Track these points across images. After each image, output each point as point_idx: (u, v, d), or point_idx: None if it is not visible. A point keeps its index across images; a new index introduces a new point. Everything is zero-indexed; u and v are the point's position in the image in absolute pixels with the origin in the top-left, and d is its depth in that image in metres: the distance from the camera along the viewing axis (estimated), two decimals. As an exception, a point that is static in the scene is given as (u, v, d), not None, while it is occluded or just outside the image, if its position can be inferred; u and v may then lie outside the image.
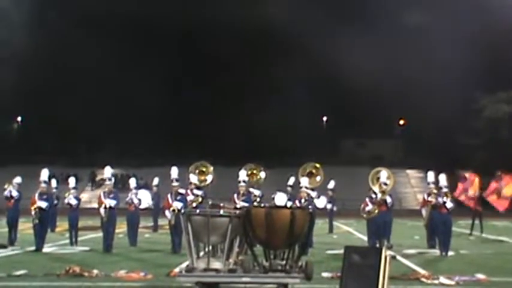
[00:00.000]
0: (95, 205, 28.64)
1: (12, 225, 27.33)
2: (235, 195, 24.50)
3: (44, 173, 27.26)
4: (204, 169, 24.94)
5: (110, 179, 27.61)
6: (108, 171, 27.85)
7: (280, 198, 20.91)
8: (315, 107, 77.05)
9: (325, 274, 17.18)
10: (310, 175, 25.75)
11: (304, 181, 25.22)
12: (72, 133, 72.52)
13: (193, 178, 24.63)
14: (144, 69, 71.66)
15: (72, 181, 30.26)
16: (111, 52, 67.50)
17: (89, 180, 69.28)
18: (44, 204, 26.43)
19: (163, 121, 73.10)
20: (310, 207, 24.41)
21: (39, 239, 25.95)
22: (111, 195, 26.29)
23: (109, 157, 61.21)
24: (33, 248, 25.42)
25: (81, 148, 75.16)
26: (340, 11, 71.49)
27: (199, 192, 24.62)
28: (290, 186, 26.20)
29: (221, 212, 14.65)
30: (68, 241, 28.53)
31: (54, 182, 34.56)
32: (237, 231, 14.11)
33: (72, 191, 29.64)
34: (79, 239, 28.93)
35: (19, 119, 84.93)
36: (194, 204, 23.58)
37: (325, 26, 68.44)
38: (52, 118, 70.66)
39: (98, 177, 67.33)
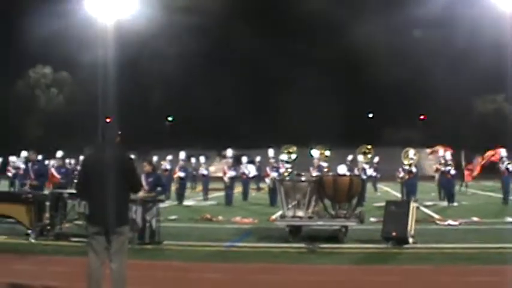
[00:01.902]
0: (220, 174, 29.09)
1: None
2: (311, 168, 24.60)
3: (182, 154, 27.82)
4: (291, 150, 24.99)
5: (230, 157, 28.08)
6: (229, 152, 28.38)
7: (342, 169, 20.96)
8: (362, 104, 76.40)
9: (372, 219, 17.18)
10: (364, 153, 25.70)
11: (360, 157, 25.28)
12: (206, 129, 71.76)
13: (284, 156, 24.73)
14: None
15: (202, 159, 30.74)
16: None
17: (214, 158, 69.19)
18: (182, 174, 26.91)
19: (262, 115, 72.13)
20: (364, 175, 24.62)
21: (180, 196, 26.44)
22: (232, 168, 26.79)
23: (229, 142, 61.38)
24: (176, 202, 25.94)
25: (210, 138, 74.44)
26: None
27: (288, 166, 24.69)
28: (349, 161, 26.14)
29: (303, 178, 14.86)
30: (201, 198, 28.98)
31: (193, 160, 34.99)
32: (313, 191, 14.24)
33: (204, 165, 30.13)
34: (209, 196, 29.32)
35: (170, 118, 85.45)
36: (286, 174, 23.67)
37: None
38: (194, 118, 70.34)
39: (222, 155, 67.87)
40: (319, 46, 68.56)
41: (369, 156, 25.63)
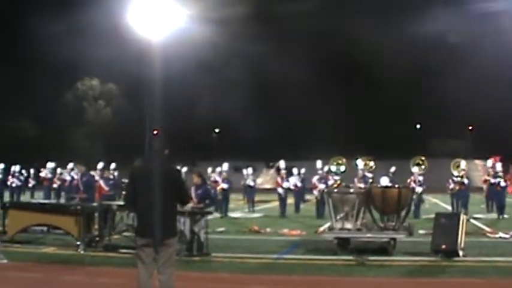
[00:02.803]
0: (267, 186, 29.17)
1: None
2: (355, 179, 24.52)
3: (225, 166, 27.91)
4: (339, 161, 24.94)
5: (284, 169, 28.11)
6: (282, 163, 28.44)
7: (384, 180, 20.88)
8: (410, 114, 75.69)
9: (421, 231, 17.00)
10: (418, 164, 25.48)
11: (415, 169, 25.14)
12: (253, 141, 71.69)
13: (333, 168, 24.70)
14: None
15: (249, 170, 30.72)
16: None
17: (261, 169, 69.20)
18: (225, 186, 26.94)
19: (311, 128, 71.94)
20: (419, 186, 24.32)
21: (225, 208, 26.44)
22: (285, 180, 26.89)
23: (275, 153, 61.49)
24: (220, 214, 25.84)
25: (257, 150, 73.99)
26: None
27: (337, 177, 24.66)
28: (391, 172, 25.96)
29: (351, 190, 14.79)
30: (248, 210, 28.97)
31: (245, 171, 34.95)
32: (362, 203, 14.16)
33: (251, 176, 30.13)
34: (255, 208, 29.31)
35: (216, 130, 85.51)
36: (335, 185, 23.65)
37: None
38: (241, 129, 70.48)
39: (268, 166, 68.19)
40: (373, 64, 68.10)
41: (423, 167, 25.42)
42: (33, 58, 59.51)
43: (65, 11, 54.57)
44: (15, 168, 34.03)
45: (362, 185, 21.78)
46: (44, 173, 33.18)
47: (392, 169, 26.14)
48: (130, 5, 32.35)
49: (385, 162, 32.56)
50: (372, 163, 27.33)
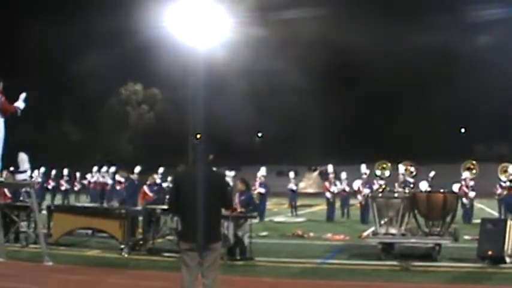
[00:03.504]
0: (310, 190, 29.08)
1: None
2: (396, 184, 24.36)
3: (262, 170, 27.80)
4: (384, 165, 24.74)
5: (331, 173, 28.04)
6: (330, 168, 28.35)
7: (423, 185, 20.79)
8: (455, 119, 74.89)
9: (467, 237, 16.82)
10: (469, 169, 25.21)
11: (466, 174, 24.91)
12: (296, 145, 71.77)
13: (378, 172, 24.54)
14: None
15: (291, 174, 30.65)
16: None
17: (303, 173, 68.98)
18: (262, 190, 26.86)
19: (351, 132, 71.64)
20: (471, 191, 24.10)
21: (261, 213, 26.37)
22: (333, 184, 26.95)
23: (318, 158, 61.42)
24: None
25: (300, 154, 73.84)
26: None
27: (381, 182, 24.51)
28: (430, 177, 25.68)
29: (396, 195, 14.72)
30: (290, 214, 28.93)
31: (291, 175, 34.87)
32: (406, 208, 14.07)
33: (293, 180, 30.06)
34: (298, 212, 29.27)
35: (260, 134, 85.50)
36: (380, 190, 23.49)
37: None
38: (284, 133, 70.42)
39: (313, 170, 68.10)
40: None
41: (474, 171, 25.12)
42: (77, 63, 60.22)
43: (107, 16, 54.98)
44: (64, 171, 34.68)
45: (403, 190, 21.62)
46: (90, 177, 33.65)
47: (432, 174, 25.94)
48: (174, 11, 32.48)
49: (428, 167, 32.25)
50: (412, 168, 27.09)
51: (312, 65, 64.12)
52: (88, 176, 34.50)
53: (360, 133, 70.91)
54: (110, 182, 29.80)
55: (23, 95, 13.06)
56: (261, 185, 27.01)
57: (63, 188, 34.35)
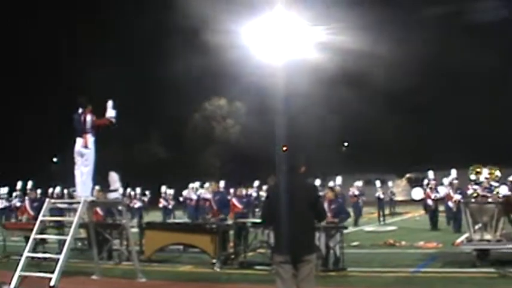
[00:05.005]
0: (399, 198, 28.74)
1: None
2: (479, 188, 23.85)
3: (338, 179, 27.52)
4: (479, 170, 24.29)
5: (433, 179, 27.24)
6: (431, 174, 27.51)
7: (503, 189, 20.40)
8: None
9: None
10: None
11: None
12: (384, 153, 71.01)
13: (472, 177, 24.11)
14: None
15: (377, 183, 30.45)
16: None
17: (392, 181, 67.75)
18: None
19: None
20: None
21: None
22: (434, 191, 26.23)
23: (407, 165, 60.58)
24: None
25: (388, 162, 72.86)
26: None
27: (476, 187, 24.07)
28: (510, 181, 25.05)
29: (489, 199, 14.48)
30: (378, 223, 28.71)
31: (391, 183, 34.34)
32: (501, 213, 13.82)
33: (380, 189, 29.87)
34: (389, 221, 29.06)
35: (346, 143, 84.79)
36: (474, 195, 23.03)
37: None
38: (370, 142, 69.75)
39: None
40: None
41: None
42: (162, 80, 61.29)
43: (190, 33, 55.81)
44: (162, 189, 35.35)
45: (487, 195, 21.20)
46: (187, 193, 34.13)
47: (511, 178, 25.38)
48: (254, 26, 32.64)
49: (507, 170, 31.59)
50: (497, 172, 26.50)
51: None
52: (184, 192, 35.00)
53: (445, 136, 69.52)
54: (194, 197, 30.30)
55: (110, 103, 13.21)
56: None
57: (160, 206, 34.90)
